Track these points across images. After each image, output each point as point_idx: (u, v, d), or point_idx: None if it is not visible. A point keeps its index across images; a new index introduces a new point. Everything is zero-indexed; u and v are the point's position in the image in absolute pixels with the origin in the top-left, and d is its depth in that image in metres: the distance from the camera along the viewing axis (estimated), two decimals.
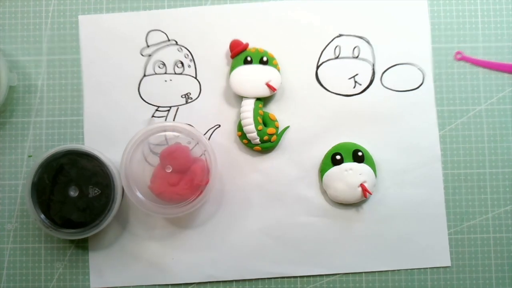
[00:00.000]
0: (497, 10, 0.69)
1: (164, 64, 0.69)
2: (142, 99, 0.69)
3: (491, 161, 0.68)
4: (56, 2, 0.70)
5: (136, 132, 0.64)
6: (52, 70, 0.69)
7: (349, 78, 0.69)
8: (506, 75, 0.69)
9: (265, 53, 0.67)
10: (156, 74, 0.69)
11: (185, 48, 0.69)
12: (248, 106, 0.66)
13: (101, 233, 0.67)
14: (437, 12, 0.69)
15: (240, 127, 0.67)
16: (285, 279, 0.67)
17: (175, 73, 0.69)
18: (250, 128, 0.65)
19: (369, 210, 0.67)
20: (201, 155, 0.64)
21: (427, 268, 0.67)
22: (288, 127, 0.68)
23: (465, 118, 0.68)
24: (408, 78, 0.68)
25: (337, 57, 0.69)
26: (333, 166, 0.66)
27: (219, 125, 0.68)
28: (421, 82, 0.68)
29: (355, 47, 0.69)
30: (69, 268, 0.68)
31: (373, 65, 0.69)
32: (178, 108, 0.69)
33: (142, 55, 0.69)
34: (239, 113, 0.67)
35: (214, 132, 0.68)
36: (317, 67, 0.69)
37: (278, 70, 0.67)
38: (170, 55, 0.69)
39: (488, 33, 0.69)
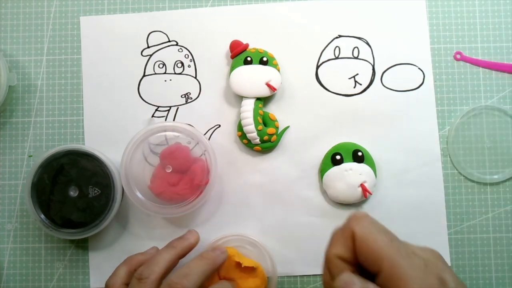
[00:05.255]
0: (495, 11, 0.69)
1: (164, 64, 0.69)
2: (142, 99, 0.69)
3: (491, 161, 0.68)
4: (58, 4, 0.71)
5: (136, 132, 0.64)
6: (52, 70, 0.70)
7: (349, 78, 0.69)
8: (506, 75, 0.69)
9: (265, 53, 0.68)
10: (156, 74, 0.69)
11: (186, 48, 0.69)
12: (248, 106, 0.66)
13: (101, 233, 0.67)
14: (435, 13, 0.70)
15: (240, 127, 0.67)
16: (285, 279, 0.67)
17: (175, 73, 0.69)
18: (250, 128, 0.65)
19: (369, 210, 0.67)
20: (201, 155, 0.65)
21: None
22: (288, 127, 0.68)
23: (465, 118, 0.68)
24: (408, 78, 0.68)
25: (337, 58, 0.69)
26: (333, 166, 0.66)
27: (219, 125, 0.69)
28: (421, 82, 0.69)
29: (354, 48, 0.69)
30: (69, 268, 0.68)
31: (373, 65, 0.69)
32: (178, 108, 0.69)
33: (142, 55, 0.70)
34: (239, 113, 0.67)
35: (214, 132, 0.68)
36: (317, 67, 0.69)
37: (278, 70, 0.67)
38: (170, 55, 0.69)
39: (486, 34, 0.69)
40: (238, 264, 0.62)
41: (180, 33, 0.70)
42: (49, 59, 0.70)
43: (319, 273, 0.67)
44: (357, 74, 0.69)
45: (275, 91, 0.67)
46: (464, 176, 0.68)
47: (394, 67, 0.69)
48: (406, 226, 0.67)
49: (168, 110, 0.69)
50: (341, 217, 0.67)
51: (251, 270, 0.63)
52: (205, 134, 0.68)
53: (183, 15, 0.70)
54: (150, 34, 0.70)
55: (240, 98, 0.67)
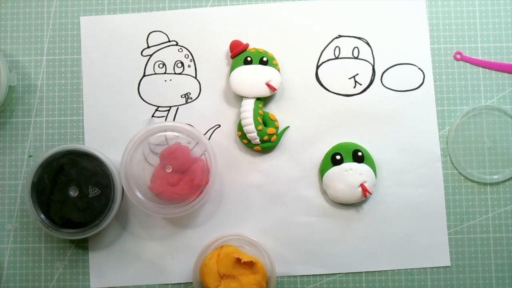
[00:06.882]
0: (495, 11, 0.69)
1: (164, 64, 0.69)
2: (142, 99, 0.69)
3: (491, 161, 0.68)
4: (58, 4, 0.71)
5: (136, 132, 0.64)
6: (52, 70, 0.70)
7: (349, 78, 0.69)
8: (506, 75, 0.69)
9: (265, 53, 0.68)
10: (156, 74, 0.69)
11: (186, 48, 0.70)
12: (248, 106, 0.66)
13: (101, 233, 0.67)
14: (435, 13, 0.70)
15: (240, 127, 0.67)
16: (285, 279, 0.67)
17: (175, 73, 0.69)
18: (250, 128, 0.65)
19: (369, 210, 0.67)
20: (201, 155, 0.65)
21: (427, 268, 0.67)
22: (288, 127, 0.68)
23: (465, 118, 0.68)
24: (408, 78, 0.69)
25: (337, 58, 0.69)
26: (333, 166, 0.66)
27: (219, 125, 0.69)
28: (421, 82, 0.69)
29: (354, 48, 0.69)
30: (69, 268, 0.68)
31: (373, 65, 0.69)
32: (178, 108, 0.69)
33: (142, 55, 0.70)
34: (239, 113, 0.67)
35: (214, 132, 0.68)
36: (317, 67, 0.69)
37: (278, 70, 0.67)
38: (170, 55, 0.69)
39: (486, 34, 0.69)
40: (238, 261, 0.62)
41: (180, 33, 0.70)
42: (49, 59, 0.70)
43: (319, 273, 0.67)
44: (357, 74, 0.69)
45: (275, 91, 0.67)
46: (464, 176, 0.68)
47: (394, 67, 0.69)
48: (406, 226, 0.67)
49: (168, 110, 0.69)
50: (341, 217, 0.67)
51: (251, 266, 0.63)
52: (205, 134, 0.68)
53: (183, 15, 0.70)
54: (150, 34, 0.70)
55: (240, 98, 0.67)
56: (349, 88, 0.69)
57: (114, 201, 0.64)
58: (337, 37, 0.70)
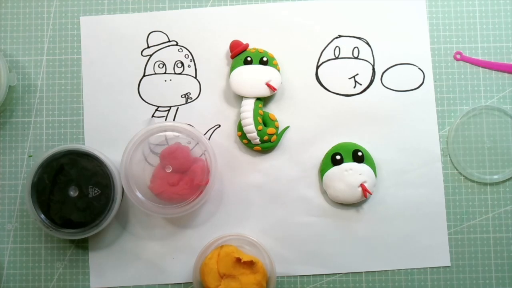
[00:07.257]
0: (495, 11, 0.69)
1: (164, 64, 0.69)
2: (142, 99, 0.69)
3: (491, 161, 0.68)
4: (58, 4, 0.71)
5: (136, 132, 0.64)
6: (52, 70, 0.70)
7: (349, 78, 0.69)
8: (506, 75, 0.69)
9: (265, 53, 0.68)
10: (156, 74, 0.69)
11: (186, 48, 0.70)
12: (248, 106, 0.66)
13: (101, 233, 0.67)
14: (435, 13, 0.70)
15: (240, 127, 0.67)
16: (285, 279, 0.67)
17: (175, 73, 0.69)
18: (250, 128, 0.65)
19: (369, 210, 0.67)
20: (201, 155, 0.65)
21: (427, 268, 0.67)
22: (288, 127, 0.68)
23: (465, 118, 0.68)
24: (408, 78, 0.69)
25: (337, 58, 0.69)
26: (333, 166, 0.66)
27: (219, 125, 0.69)
28: (421, 82, 0.69)
29: (354, 48, 0.69)
30: (69, 268, 0.68)
31: (373, 65, 0.69)
32: (178, 108, 0.69)
33: (142, 55, 0.70)
34: (239, 113, 0.67)
35: (214, 132, 0.68)
36: (317, 67, 0.69)
37: (278, 70, 0.67)
38: (170, 55, 0.69)
39: (486, 34, 0.69)
40: (238, 260, 0.62)
41: (180, 33, 0.70)
42: (49, 59, 0.70)
43: (319, 273, 0.67)
44: (357, 74, 0.69)
45: (275, 91, 0.67)
46: (464, 176, 0.68)
47: (394, 67, 0.69)
48: (406, 226, 0.67)
49: (168, 110, 0.69)
50: (341, 217, 0.67)
51: (251, 266, 0.63)
52: (205, 134, 0.68)
53: (183, 15, 0.70)
54: (150, 34, 0.70)
55: (240, 98, 0.67)
56: (349, 88, 0.69)
57: (114, 201, 0.64)
58: (337, 37, 0.70)
